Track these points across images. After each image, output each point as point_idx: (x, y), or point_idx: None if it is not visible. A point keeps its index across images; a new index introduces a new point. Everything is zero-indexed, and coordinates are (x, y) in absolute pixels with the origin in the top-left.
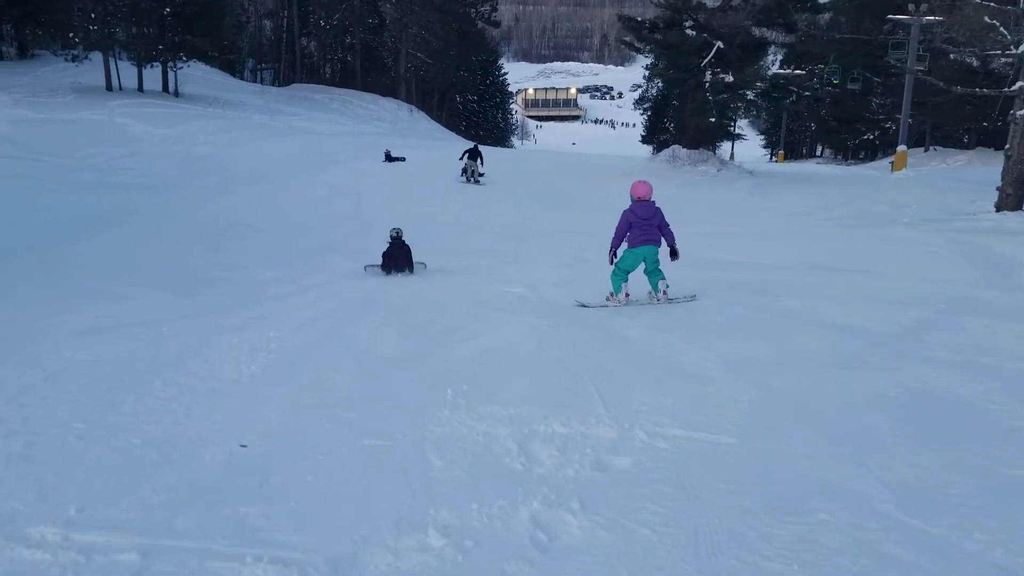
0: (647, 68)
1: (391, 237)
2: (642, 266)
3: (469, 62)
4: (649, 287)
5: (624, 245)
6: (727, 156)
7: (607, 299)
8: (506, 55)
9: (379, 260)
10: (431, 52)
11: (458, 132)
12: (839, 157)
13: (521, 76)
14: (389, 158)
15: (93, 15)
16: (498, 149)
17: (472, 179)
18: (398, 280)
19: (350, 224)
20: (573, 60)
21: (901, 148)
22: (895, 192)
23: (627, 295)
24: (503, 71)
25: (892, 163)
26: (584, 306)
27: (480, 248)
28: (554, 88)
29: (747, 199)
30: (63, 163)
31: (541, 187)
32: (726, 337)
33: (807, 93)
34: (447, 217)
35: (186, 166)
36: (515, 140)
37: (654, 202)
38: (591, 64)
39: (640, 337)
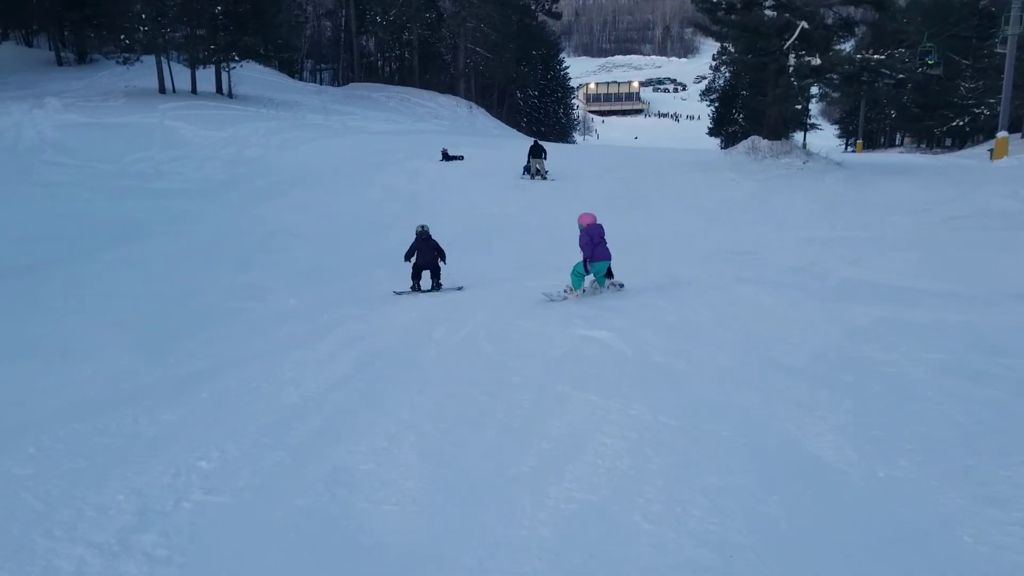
0: (715, 58)
1: (416, 232)
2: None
3: (529, 56)
4: (596, 283)
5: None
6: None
7: (565, 292)
8: (567, 50)
9: (408, 284)
10: (490, 46)
11: (519, 129)
12: (922, 145)
13: (582, 71)
14: (446, 157)
15: (144, 16)
16: (560, 145)
17: (539, 176)
18: (443, 314)
19: (402, 230)
20: (635, 53)
21: (1002, 134)
22: (1016, 184)
23: (584, 290)
24: (564, 65)
25: (991, 151)
26: (550, 299)
27: (546, 260)
28: (616, 82)
29: (845, 194)
30: (108, 168)
31: (609, 185)
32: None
33: (901, 76)
34: (507, 220)
35: (235, 169)
36: (576, 136)
37: (602, 225)
38: (653, 57)
39: (859, 475)
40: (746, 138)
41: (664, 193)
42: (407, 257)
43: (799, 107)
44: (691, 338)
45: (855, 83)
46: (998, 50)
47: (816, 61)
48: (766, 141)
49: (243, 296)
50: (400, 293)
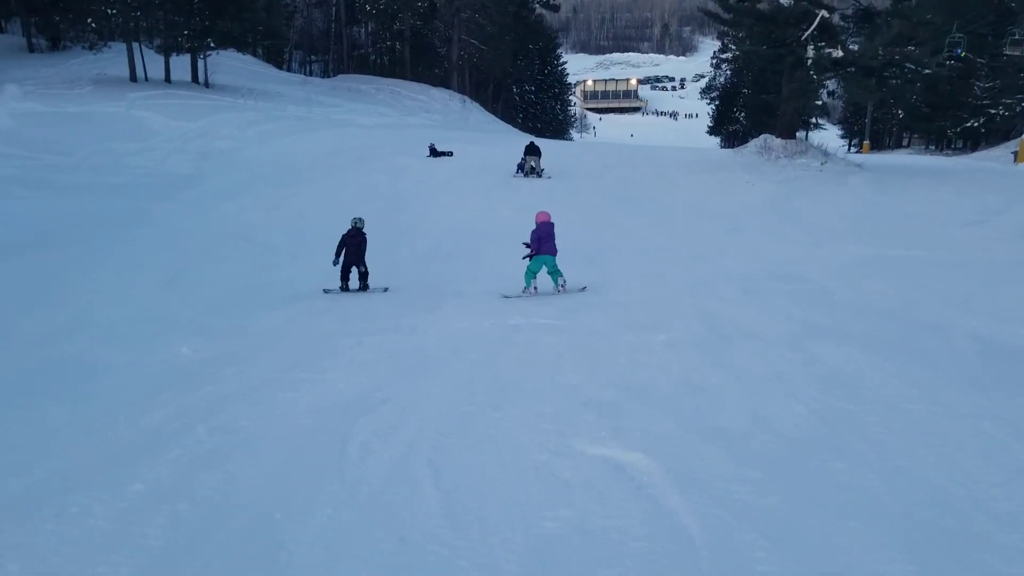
0: (715, 55)
1: (352, 224)
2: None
3: (526, 50)
4: (552, 283)
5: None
6: None
7: (522, 291)
8: (564, 46)
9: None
10: (485, 38)
11: (515, 124)
12: (931, 147)
13: (580, 68)
14: (434, 152)
15: None
16: (557, 142)
17: (533, 174)
18: (382, 387)
19: (378, 235)
20: (633, 51)
21: None
22: None
23: (535, 288)
24: (562, 60)
25: (1016, 153)
26: (506, 297)
27: (541, 278)
28: (614, 79)
29: (877, 200)
30: (60, 161)
31: (610, 185)
32: None
33: (927, 71)
34: (496, 224)
35: (203, 163)
36: (574, 133)
37: (553, 223)
38: (651, 55)
39: None
40: (748, 137)
41: (672, 196)
42: (336, 259)
43: (819, 103)
44: (797, 484)
45: (877, 78)
46: (1007, 52)
47: (837, 53)
48: (779, 140)
49: (124, 338)
50: (328, 291)
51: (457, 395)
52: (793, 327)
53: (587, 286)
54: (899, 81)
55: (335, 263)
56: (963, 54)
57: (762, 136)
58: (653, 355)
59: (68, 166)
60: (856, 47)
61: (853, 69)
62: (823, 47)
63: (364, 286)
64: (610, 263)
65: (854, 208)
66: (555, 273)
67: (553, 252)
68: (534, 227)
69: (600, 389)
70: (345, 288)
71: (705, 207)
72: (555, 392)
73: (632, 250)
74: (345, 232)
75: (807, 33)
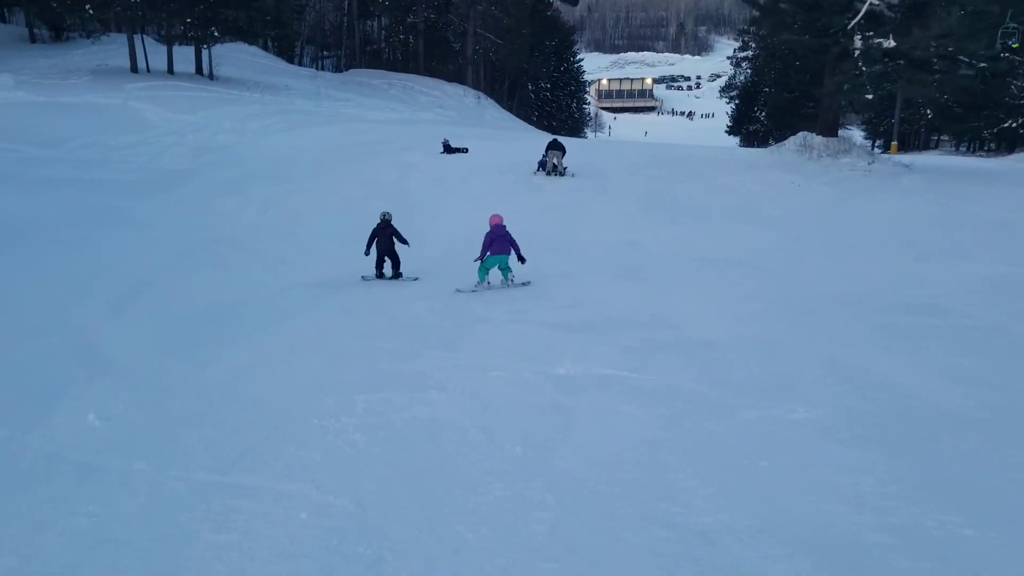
0: (734, 54)
1: (380, 217)
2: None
3: (542, 46)
4: (501, 277)
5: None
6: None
7: (475, 286)
8: (579, 45)
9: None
10: (501, 31)
11: (530, 122)
12: (961, 148)
13: (594, 67)
14: (448, 149)
15: None
16: (575, 140)
17: (556, 172)
18: (362, 547)
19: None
20: (648, 50)
21: None
22: None
23: (488, 283)
24: (579, 57)
25: None
26: (459, 291)
27: (577, 301)
28: (628, 79)
29: (946, 205)
30: (43, 154)
31: (644, 186)
32: None
33: (982, 64)
34: (519, 227)
35: (200, 158)
36: (588, 132)
37: (504, 225)
38: (667, 54)
39: None
40: (768, 137)
41: (712, 198)
42: (368, 249)
43: (868, 97)
44: None
45: (927, 71)
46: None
47: (889, 43)
48: (820, 138)
49: (16, 393)
50: (366, 279)
51: (497, 558)
52: (994, 398)
53: (530, 281)
54: (941, 75)
55: (366, 254)
56: (1015, 45)
57: (800, 134)
58: (808, 453)
59: (51, 159)
60: (895, 41)
61: (903, 62)
62: (871, 37)
63: (397, 274)
64: (660, 279)
65: (928, 214)
66: (505, 270)
67: (505, 252)
68: (488, 229)
69: (763, 549)
70: (380, 276)
71: (753, 211)
72: (678, 548)
73: (683, 262)
74: (375, 225)
75: (854, 21)
